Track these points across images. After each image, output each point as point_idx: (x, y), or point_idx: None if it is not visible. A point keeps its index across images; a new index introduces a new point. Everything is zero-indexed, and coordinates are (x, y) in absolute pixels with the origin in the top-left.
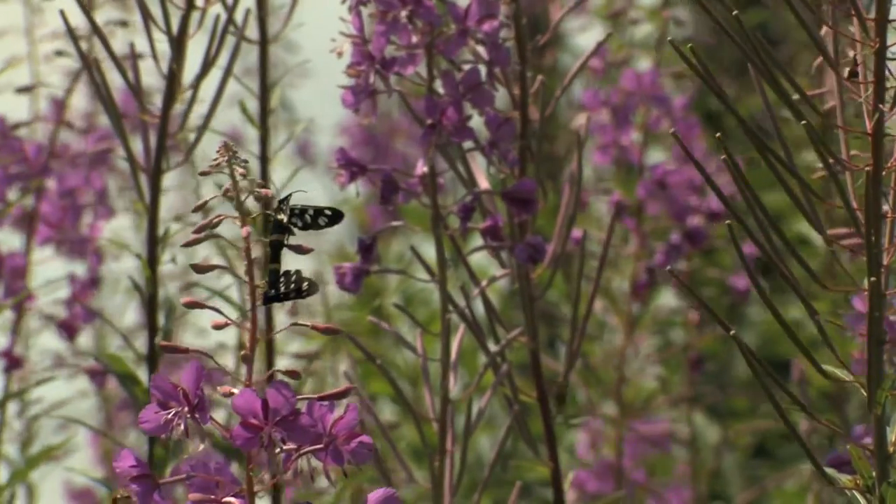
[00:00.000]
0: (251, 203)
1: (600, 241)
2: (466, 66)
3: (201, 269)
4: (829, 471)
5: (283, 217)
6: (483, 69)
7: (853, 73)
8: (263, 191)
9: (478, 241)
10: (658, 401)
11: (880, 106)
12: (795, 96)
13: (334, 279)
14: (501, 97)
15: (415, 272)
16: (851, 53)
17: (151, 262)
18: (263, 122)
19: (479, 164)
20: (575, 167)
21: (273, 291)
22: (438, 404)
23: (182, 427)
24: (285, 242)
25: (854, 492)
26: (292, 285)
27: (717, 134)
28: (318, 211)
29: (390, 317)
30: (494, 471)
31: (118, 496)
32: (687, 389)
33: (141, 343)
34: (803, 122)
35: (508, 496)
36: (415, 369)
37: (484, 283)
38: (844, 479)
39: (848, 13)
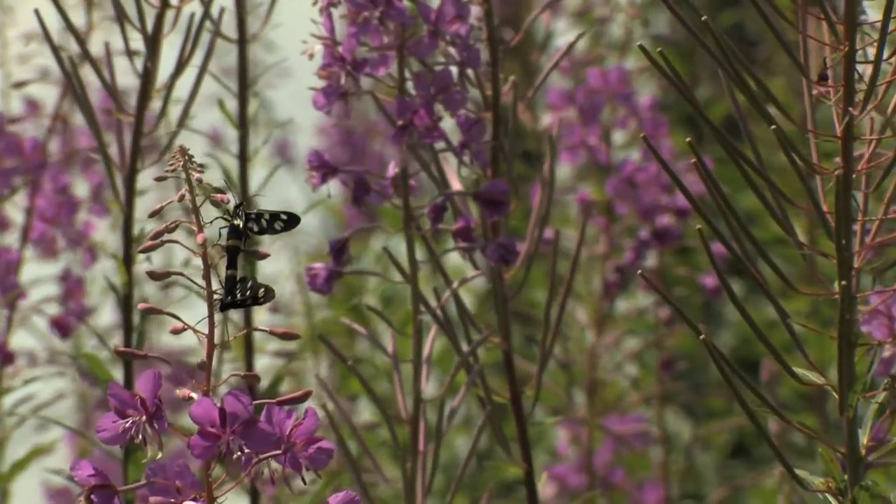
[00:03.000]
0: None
1: (574, 241)
2: (438, 68)
3: (156, 276)
4: (802, 473)
5: (239, 222)
6: (455, 70)
7: (823, 77)
8: (219, 196)
9: (451, 242)
10: (630, 399)
11: (850, 109)
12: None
13: (306, 280)
14: (474, 97)
15: (391, 272)
16: (822, 57)
17: (127, 261)
18: (243, 122)
19: (451, 165)
20: (547, 168)
21: (229, 298)
22: (411, 405)
23: (140, 436)
24: (241, 248)
25: (826, 494)
26: (248, 292)
27: (688, 139)
28: (274, 215)
29: (369, 316)
30: (472, 471)
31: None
32: (659, 388)
33: (117, 343)
34: (773, 126)
35: (483, 495)
36: (391, 369)
37: (456, 283)
38: (817, 481)
39: (818, 17)
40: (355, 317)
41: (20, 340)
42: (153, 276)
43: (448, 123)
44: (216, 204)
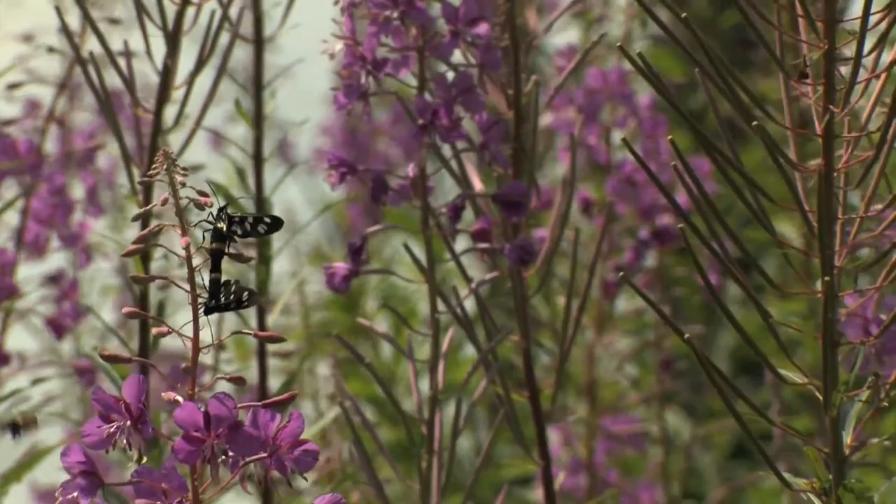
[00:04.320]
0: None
1: (570, 241)
2: (459, 69)
3: (140, 280)
4: (787, 475)
5: (223, 226)
6: (474, 72)
7: (803, 75)
8: (203, 199)
9: (464, 242)
10: (629, 399)
11: (830, 107)
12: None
13: (324, 279)
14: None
15: (398, 272)
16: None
17: (144, 259)
18: (258, 122)
19: (473, 164)
20: (568, 169)
21: (213, 301)
22: (424, 404)
23: (124, 440)
24: (225, 251)
25: (810, 495)
26: (232, 295)
27: (670, 138)
28: (258, 219)
29: (367, 316)
30: (472, 470)
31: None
32: (658, 388)
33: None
34: (754, 123)
35: (484, 494)
36: (389, 369)
37: (474, 283)
38: (801, 482)
39: (797, 15)
40: (352, 318)
41: (20, 341)
42: (137, 280)
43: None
44: (200, 207)
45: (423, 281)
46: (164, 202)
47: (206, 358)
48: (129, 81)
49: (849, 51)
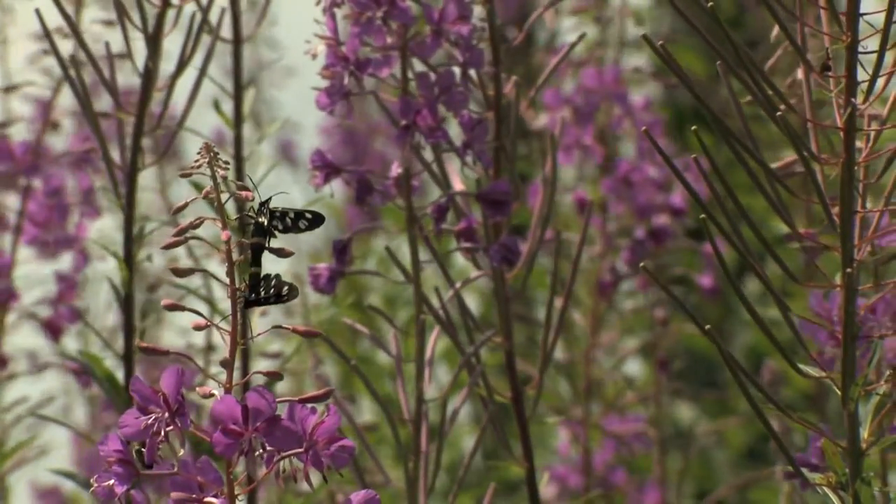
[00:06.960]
0: (231, 205)
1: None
2: (440, 68)
3: (180, 272)
4: (803, 469)
5: (264, 220)
6: (457, 71)
7: (826, 68)
8: (244, 193)
9: (454, 242)
10: (627, 399)
11: (852, 100)
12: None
13: (308, 280)
14: (476, 97)
15: (394, 272)
16: (822, 49)
17: (128, 260)
18: (238, 122)
19: (454, 165)
20: (549, 168)
21: (253, 295)
22: (413, 405)
23: (162, 432)
24: (266, 245)
25: (826, 489)
26: (272, 289)
27: (693, 128)
28: (299, 214)
29: (373, 316)
30: (478, 471)
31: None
32: (655, 388)
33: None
34: (778, 112)
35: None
36: (392, 369)
37: (458, 284)
38: (817, 476)
39: (819, 8)
40: (359, 316)
41: (22, 339)
42: (177, 272)
43: (451, 123)
44: (241, 201)
45: (409, 282)
46: (207, 195)
47: (197, 359)
48: (110, 84)
49: (872, 44)
